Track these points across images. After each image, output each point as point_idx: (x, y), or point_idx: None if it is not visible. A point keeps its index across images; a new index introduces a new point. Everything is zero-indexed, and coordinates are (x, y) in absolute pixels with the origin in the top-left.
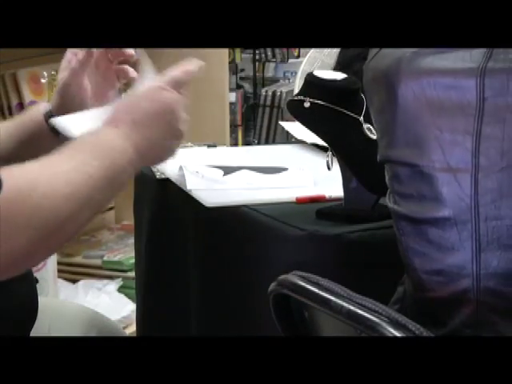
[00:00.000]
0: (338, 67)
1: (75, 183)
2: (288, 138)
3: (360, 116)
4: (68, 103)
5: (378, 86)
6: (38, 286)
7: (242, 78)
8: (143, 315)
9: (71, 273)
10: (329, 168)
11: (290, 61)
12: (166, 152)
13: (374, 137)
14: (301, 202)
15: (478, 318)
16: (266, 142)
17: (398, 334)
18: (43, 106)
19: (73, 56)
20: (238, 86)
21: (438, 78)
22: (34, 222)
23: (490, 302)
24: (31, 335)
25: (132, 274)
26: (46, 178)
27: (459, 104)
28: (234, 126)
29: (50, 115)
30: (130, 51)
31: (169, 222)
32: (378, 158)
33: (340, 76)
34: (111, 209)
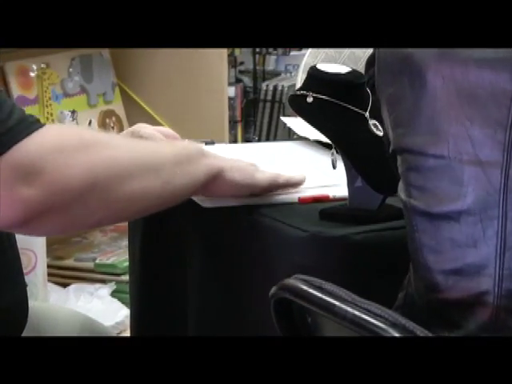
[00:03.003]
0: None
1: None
2: (290, 135)
3: (365, 112)
4: None
5: (397, 72)
6: (27, 289)
7: (241, 72)
8: (137, 321)
9: (62, 276)
10: (334, 167)
11: (292, 53)
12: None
13: (381, 133)
14: (303, 201)
15: (496, 322)
16: (267, 139)
17: None
18: None
19: None
20: (238, 80)
21: (471, 64)
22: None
23: (510, 305)
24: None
25: (126, 277)
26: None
27: (492, 93)
28: (233, 122)
29: None
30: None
31: (164, 223)
32: (392, 147)
33: (344, 69)
34: None
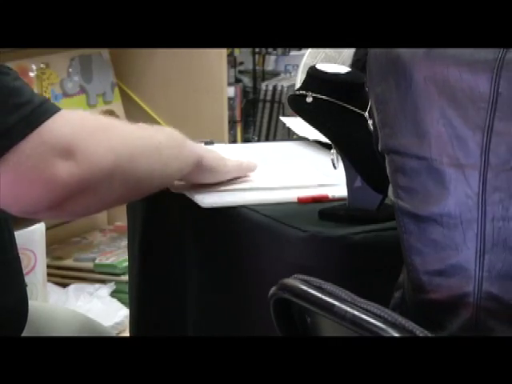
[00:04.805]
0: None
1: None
2: (289, 135)
3: (365, 112)
4: None
5: (385, 72)
6: (26, 289)
7: (240, 72)
8: (137, 321)
9: (61, 276)
10: (335, 167)
11: (292, 53)
12: (218, 166)
13: None
14: (302, 201)
15: (476, 323)
16: (267, 139)
17: None
18: None
19: None
20: (237, 80)
21: (451, 65)
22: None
23: (489, 307)
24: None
25: (125, 277)
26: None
27: (471, 96)
28: (232, 122)
29: None
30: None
31: (164, 223)
32: (380, 147)
33: (344, 70)
34: None
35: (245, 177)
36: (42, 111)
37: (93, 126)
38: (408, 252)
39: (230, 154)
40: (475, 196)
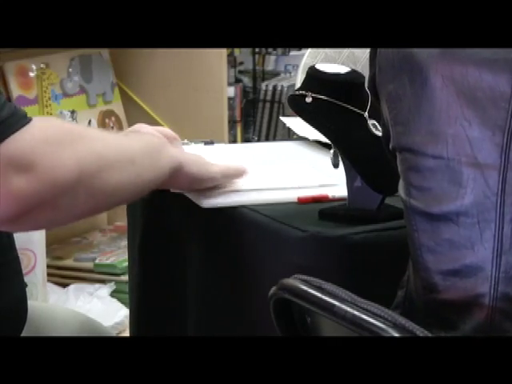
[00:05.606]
0: None
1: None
2: (289, 135)
3: (365, 112)
4: None
5: (398, 69)
6: (26, 290)
7: (240, 72)
8: (137, 321)
9: (61, 276)
10: (335, 166)
11: (292, 53)
12: (200, 172)
13: (380, 133)
14: (303, 201)
15: (491, 324)
16: (267, 139)
17: None
18: None
19: None
20: (237, 80)
21: (471, 65)
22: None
23: (505, 308)
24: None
25: (125, 277)
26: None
27: (491, 96)
28: (232, 122)
29: None
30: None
31: (164, 223)
32: (391, 145)
33: (344, 69)
34: None
35: (232, 183)
36: (5, 127)
37: (58, 139)
38: (419, 251)
39: (228, 154)
40: (494, 196)
